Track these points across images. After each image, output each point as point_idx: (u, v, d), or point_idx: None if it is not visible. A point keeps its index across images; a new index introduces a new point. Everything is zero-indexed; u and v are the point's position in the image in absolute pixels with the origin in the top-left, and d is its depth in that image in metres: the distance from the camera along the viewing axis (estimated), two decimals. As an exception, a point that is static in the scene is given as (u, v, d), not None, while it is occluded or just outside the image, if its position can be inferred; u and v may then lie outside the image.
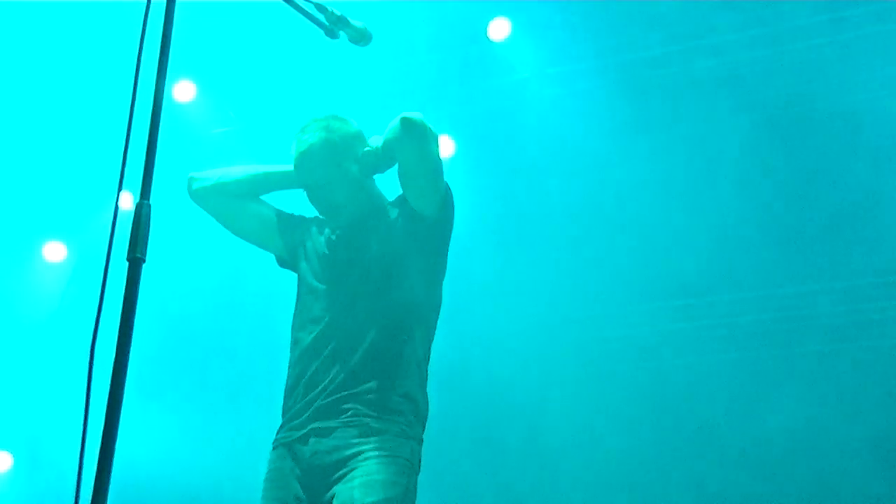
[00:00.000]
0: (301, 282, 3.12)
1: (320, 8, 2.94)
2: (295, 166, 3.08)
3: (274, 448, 2.93)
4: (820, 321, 5.69)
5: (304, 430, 2.85)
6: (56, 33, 5.57)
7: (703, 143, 5.54)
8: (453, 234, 3.12)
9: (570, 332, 6.01)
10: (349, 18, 3.00)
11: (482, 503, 5.73)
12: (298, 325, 3.04)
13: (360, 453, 2.75)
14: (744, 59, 5.47)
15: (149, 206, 1.90)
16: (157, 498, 5.93)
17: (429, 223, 3.02)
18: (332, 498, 2.73)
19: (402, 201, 3.09)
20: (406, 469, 2.78)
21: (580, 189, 5.76)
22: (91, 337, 1.85)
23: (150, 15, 2.06)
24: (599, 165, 5.66)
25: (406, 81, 5.81)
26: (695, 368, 5.81)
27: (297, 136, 3.09)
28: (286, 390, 2.99)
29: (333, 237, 3.10)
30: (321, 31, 3.00)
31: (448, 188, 3.07)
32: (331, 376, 2.88)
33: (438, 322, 3.08)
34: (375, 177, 3.15)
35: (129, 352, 1.79)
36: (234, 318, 6.34)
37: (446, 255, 3.10)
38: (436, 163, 3.00)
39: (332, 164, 3.02)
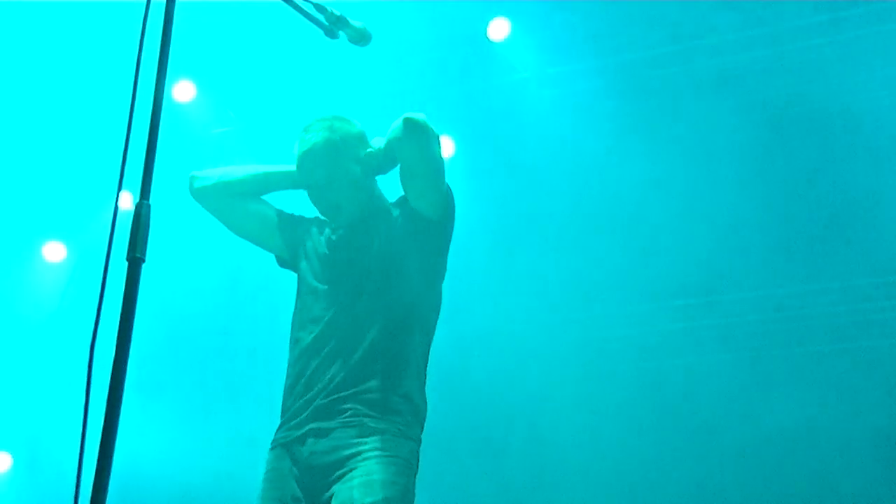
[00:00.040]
0: (301, 282, 3.13)
1: (320, 8, 2.94)
2: (297, 165, 3.09)
3: (272, 448, 2.93)
4: (820, 321, 5.70)
5: (303, 431, 2.85)
6: (56, 33, 5.57)
7: (703, 143, 5.54)
8: (453, 235, 3.12)
9: (570, 332, 6.01)
10: (349, 18, 3.00)
11: (482, 503, 5.73)
12: (298, 324, 3.04)
13: (358, 453, 2.75)
14: (744, 59, 5.47)
15: (148, 206, 1.91)
16: (156, 498, 5.93)
17: (430, 224, 3.03)
18: (331, 498, 2.72)
19: (403, 202, 3.09)
20: (405, 469, 2.78)
21: (580, 189, 5.76)
22: (91, 337, 1.85)
23: (149, 15, 2.06)
24: (599, 165, 5.66)
25: (406, 81, 5.81)
26: (695, 368, 5.81)
27: (301, 135, 3.09)
28: (285, 389, 2.99)
29: (334, 237, 3.10)
30: (321, 32, 3.00)
31: (449, 189, 3.07)
32: (330, 375, 2.88)
33: (438, 322, 3.09)
34: (378, 178, 3.16)
35: (128, 351, 1.79)
36: (233, 318, 6.34)
37: (446, 256, 3.11)
38: (437, 163, 3.00)
39: (335, 165, 3.03)
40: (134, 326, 1.81)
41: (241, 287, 6.22)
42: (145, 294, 1.88)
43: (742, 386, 5.68)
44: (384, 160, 3.05)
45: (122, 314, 1.81)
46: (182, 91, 6.06)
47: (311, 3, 2.90)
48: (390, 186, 3.14)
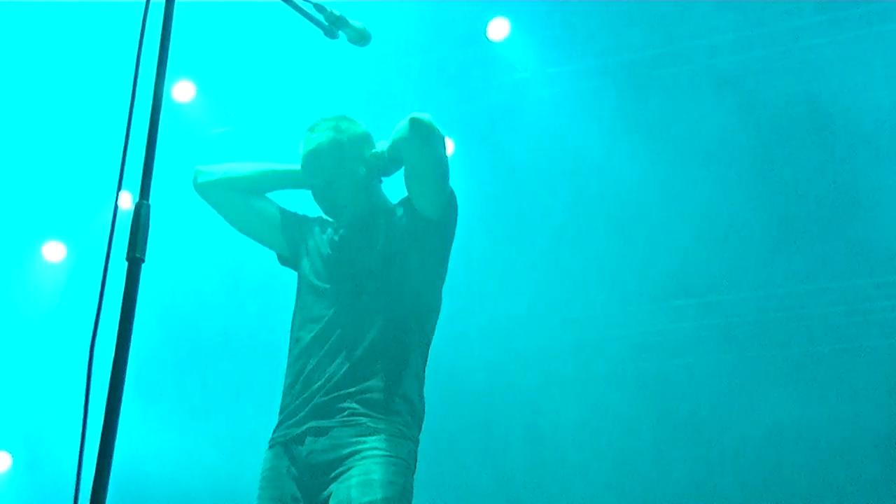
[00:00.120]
0: (302, 280, 3.12)
1: (319, 8, 2.93)
2: (302, 165, 3.08)
3: (270, 447, 2.92)
4: (820, 321, 5.70)
5: (302, 429, 2.85)
6: (56, 33, 5.57)
7: (702, 142, 5.54)
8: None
9: (570, 332, 6.01)
10: (348, 18, 3.00)
11: (482, 503, 5.73)
12: (299, 323, 3.04)
13: (357, 452, 2.75)
14: (744, 59, 5.47)
15: (148, 205, 1.91)
16: (156, 497, 5.93)
17: (432, 224, 3.03)
18: (329, 497, 2.72)
19: (406, 202, 3.09)
20: (403, 469, 2.77)
21: (579, 189, 5.77)
22: (90, 337, 1.85)
23: (149, 15, 2.06)
24: (599, 165, 5.66)
25: (405, 81, 5.81)
26: (694, 368, 5.81)
27: (306, 134, 3.09)
28: (285, 388, 2.99)
29: (336, 237, 3.10)
30: (320, 32, 3.00)
31: (452, 192, 3.07)
32: (329, 374, 2.88)
33: (438, 322, 3.09)
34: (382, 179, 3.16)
35: (128, 351, 1.79)
36: (233, 318, 6.34)
37: (448, 257, 3.10)
38: (441, 164, 3.00)
39: (340, 165, 3.03)
40: (134, 326, 1.81)
41: (241, 287, 6.22)
42: (145, 294, 1.88)
43: (742, 386, 5.68)
44: (389, 161, 3.05)
45: (121, 314, 1.81)
46: (182, 91, 6.06)
47: (311, 3, 2.90)
48: (395, 187, 3.14)
